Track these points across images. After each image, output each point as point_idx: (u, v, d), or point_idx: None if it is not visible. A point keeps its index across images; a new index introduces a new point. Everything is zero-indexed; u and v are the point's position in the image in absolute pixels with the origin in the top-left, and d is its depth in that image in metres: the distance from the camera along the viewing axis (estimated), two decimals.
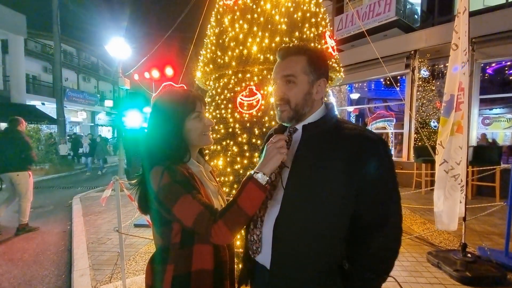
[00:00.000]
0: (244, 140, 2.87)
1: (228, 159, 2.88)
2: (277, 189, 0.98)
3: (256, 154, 2.72)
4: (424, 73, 7.67)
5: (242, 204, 0.88)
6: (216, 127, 3.05)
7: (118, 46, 7.58)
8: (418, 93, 7.75)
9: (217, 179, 1.26)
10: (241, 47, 3.01)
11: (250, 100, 3.00)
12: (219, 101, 3.21)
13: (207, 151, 2.97)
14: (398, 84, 8.88)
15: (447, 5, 8.07)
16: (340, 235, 0.91)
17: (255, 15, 3.03)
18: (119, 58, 8.02)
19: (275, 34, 2.97)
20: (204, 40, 3.56)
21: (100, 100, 24.20)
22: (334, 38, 4.21)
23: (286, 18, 3.01)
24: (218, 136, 3.01)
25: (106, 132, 26.45)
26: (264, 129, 2.81)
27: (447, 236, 3.91)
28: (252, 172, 0.91)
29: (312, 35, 3.13)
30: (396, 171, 0.93)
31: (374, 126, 10.01)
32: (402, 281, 2.75)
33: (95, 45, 24.09)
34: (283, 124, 1.05)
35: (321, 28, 3.27)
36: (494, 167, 4.80)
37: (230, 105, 3.09)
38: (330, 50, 3.35)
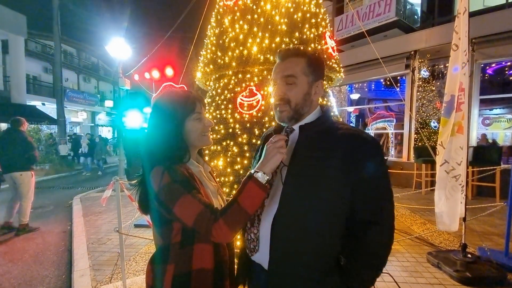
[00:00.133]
0: (244, 141, 2.87)
1: (228, 159, 2.88)
2: (274, 188, 0.99)
3: None
4: (424, 73, 7.67)
5: (243, 203, 0.89)
6: (216, 128, 3.05)
7: (118, 46, 7.58)
8: (418, 93, 7.75)
9: (217, 180, 1.26)
10: (241, 48, 3.01)
11: (250, 101, 3.00)
12: (219, 102, 3.21)
13: (207, 152, 2.97)
14: (398, 85, 8.88)
15: (447, 5, 8.07)
16: (337, 232, 0.94)
17: (255, 16, 3.03)
18: (119, 59, 8.02)
19: (275, 34, 2.97)
20: (204, 40, 3.57)
21: (100, 101, 24.21)
22: (334, 38, 4.22)
23: (286, 18, 3.01)
24: (218, 136, 3.01)
25: (106, 132, 26.45)
26: (264, 130, 2.81)
27: (447, 237, 3.91)
28: (252, 171, 0.92)
29: (312, 35, 3.14)
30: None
31: (374, 127, 10.01)
32: (402, 281, 2.75)
33: (96, 46, 24.13)
34: (281, 124, 1.07)
35: (321, 29, 3.28)
36: (494, 167, 4.80)
37: (230, 106, 3.09)
38: (330, 50, 3.35)
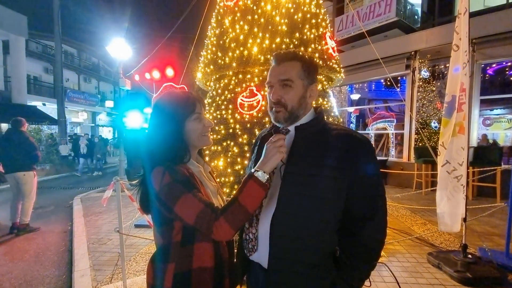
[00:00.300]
0: (244, 141, 2.87)
1: (228, 159, 2.88)
2: (272, 188, 1.01)
3: None
4: (425, 73, 7.67)
5: (243, 201, 0.90)
6: (217, 128, 3.05)
7: (119, 47, 7.59)
8: (419, 93, 7.75)
9: (218, 180, 1.27)
10: (241, 48, 3.01)
11: (250, 101, 3.00)
12: (219, 102, 3.21)
13: (207, 152, 2.98)
14: (399, 85, 8.88)
15: (447, 6, 8.08)
16: (334, 228, 0.98)
17: (256, 16, 3.03)
18: (120, 59, 8.03)
19: (276, 35, 2.97)
20: (205, 41, 3.57)
21: (101, 101, 24.22)
22: (335, 39, 4.22)
23: (286, 19, 3.01)
24: (219, 136, 3.01)
25: (106, 132, 26.47)
26: None
27: (447, 237, 3.91)
28: (252, 170, 0.94)
29: (312, 36, 3.14)
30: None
31: (374, 127, 10.00)
32: (403, 281, 2.75)
33: (96, 46, 24.14)
34: (276, 125, 1.09)
35: (321, 29, 3.28)
36: (495, 167, 4.79)
37: (230, 106, 3.09)
38: (331, 51, 3.35)
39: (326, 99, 3.38)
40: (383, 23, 8.14)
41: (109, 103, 24.30)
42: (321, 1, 3.45)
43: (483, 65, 6.95)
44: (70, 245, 3.98)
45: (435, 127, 7.57)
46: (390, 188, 7.59)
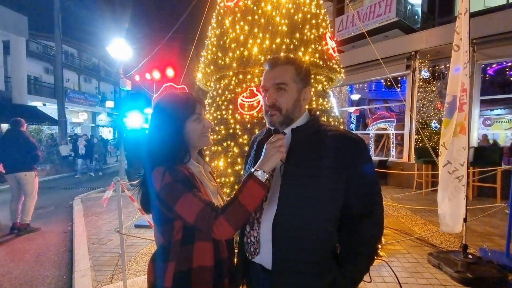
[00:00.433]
0: (245, 141, 2.87)
1: (229, 160, 2.89)
2: (272, 190, 1.03)
3: None
4: (425, 74, 7.67)
5: (243, 200, 0.92)
6: (217, 128, 3.05)
7: (119, 47, 7.59)
8: (419, 94, 7.74)
9: (218, 180, 1.28)
10: (242, 49, 3.01)
11: (250, 101, 3.01)
12: (220, 102, 3.22)
13: (208, 152, 2.98)
14: (399, 85, 8.88)
15: (447, 6, 8.08)
16: (334, 226, 1.01)
17: (256, 17, 3.03)
18: (120, 59, 8.04)
19: (276, 35, 2.97)
20: (205, 41, 3.57)
21: (101, 101, 24.22)
22: (335, 39, 4.22)
23: (286, 19, 3.02)
24: (219, 137, 3.01)
25: (107, 133, 26.48)
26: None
27: (448, 237, 3.91)
28: (252, 170, 0.95)
29: (312, 36, 3.14)
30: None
31: (374, 127, 9.99)
32: (403, 282, 2.75)
33: (97, 46, 24.16)
34: (271, 129, 1.10)
35: (321, 29, 3.28)
36: (495, 168, 4.79)
37: (231, 106, 3.10)
38: (331, 51, 3.36)
39: (326, 99, 3.38)
40: (383, 23, 8.14)
41: (110, 104, 24.30)
42: (321, 2, 3.46)
43: (483, 65, 6.95)
44: (71, 246, 3.98)
45: (435, 127, 7.56)
46: (391, 188, 7.59)
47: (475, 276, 2.68)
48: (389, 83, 9.30)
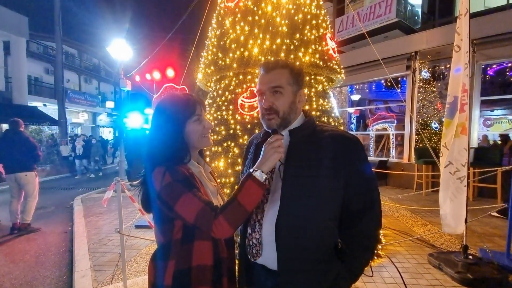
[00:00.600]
0: (245, 142, 2.87)
1: (229, 160, 2.89)
2: (272, 192, 1.04)
3: None
4: (425, 74, 7.67)
5: (242, 200, 0.93)
6: (217, 129, 3.05)
7: (119, 47, 7.60)
8: (419, 94, 7.74)
9: (218, 181, 1.29)
10: (242, 49, 3.02)
11: (251, 102, 3.01)
12: (220, 103, 3.22)
13: (208, 153, 2.98)
14: (399, 86, 8.88)
15: (447, 6, 8.08)
16: (335, 223, 1.04)
17: (256, 17, 3.04)
18: (120, 60, 8.04)
19: (276, 36, 2.98)
20: (206, 42, 3.58)
21: (102, 102, 24.23)
22: (335, 39, 4.22)
23: (287, 20, 3.02)
24: (219, 137, 3.02)
25: (107, 133, 26.49)
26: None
27: (448, 238, 3.90)
28: (251, 170, 0.97)
29: (313, 37, 3.14)
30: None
31: (375, 128, 9.99)
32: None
33: (97, 47, 24.16)
34: (268, 131, 1.10)
35: (322, 30, 3.28)
36: (496, 168, 4.79)
37: (231, 107, 3.10)
38: (331, 51, 3.36)
39: (326, 100, 3.38)
40: (383, 24, 8.14)
41: (110, 104, 24.29)
42: (321, 2, 3.46)
43: (483, 66, 6.95)
44: (71, 246, 3.98)
45: (436, 128, 7.56)
46: (391, 189, 7.58)
47: (475, 277, 2.67)
48: (389, 84, 9.30)
